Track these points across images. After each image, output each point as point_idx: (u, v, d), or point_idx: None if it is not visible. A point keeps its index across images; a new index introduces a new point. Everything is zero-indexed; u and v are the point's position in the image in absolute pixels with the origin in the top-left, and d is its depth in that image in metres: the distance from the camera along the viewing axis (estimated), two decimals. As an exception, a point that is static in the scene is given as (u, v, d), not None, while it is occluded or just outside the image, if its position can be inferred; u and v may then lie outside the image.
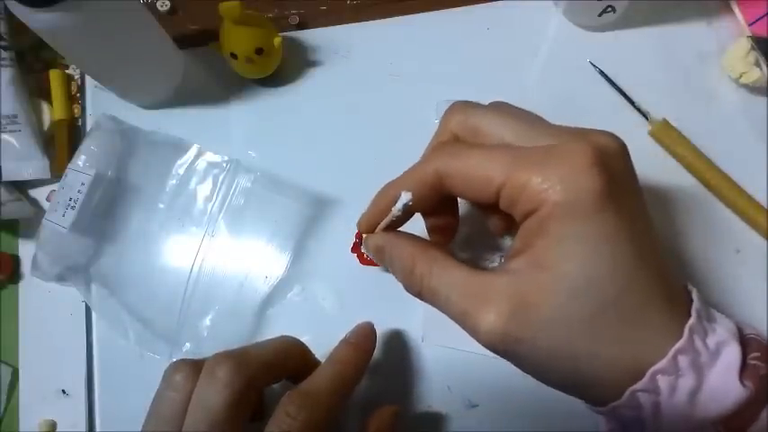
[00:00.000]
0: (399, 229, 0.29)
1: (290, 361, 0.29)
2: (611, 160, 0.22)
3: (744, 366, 0.21)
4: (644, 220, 0.23)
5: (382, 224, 0.27)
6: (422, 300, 0.25)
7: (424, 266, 0.24)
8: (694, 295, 0.23)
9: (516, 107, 0.26)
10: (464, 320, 0.23)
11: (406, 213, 0.27)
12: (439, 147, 0.26)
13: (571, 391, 0.23)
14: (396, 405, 0.30)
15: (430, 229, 0.31)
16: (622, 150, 0.23)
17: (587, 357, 0.21)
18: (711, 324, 0.22)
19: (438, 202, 0.26)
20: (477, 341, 0.22)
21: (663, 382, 0.20)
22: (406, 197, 0.25)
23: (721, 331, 0.22)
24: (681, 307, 0.22)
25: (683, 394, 0.21)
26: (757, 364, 0.21)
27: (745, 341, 0.22)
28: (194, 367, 0.26)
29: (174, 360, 0.27)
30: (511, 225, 0.28)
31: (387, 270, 0.35)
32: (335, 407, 0.27)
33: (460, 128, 0.25)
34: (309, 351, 0.30)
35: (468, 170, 0.23)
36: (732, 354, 0.21)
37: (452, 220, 0.30)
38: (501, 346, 0.22)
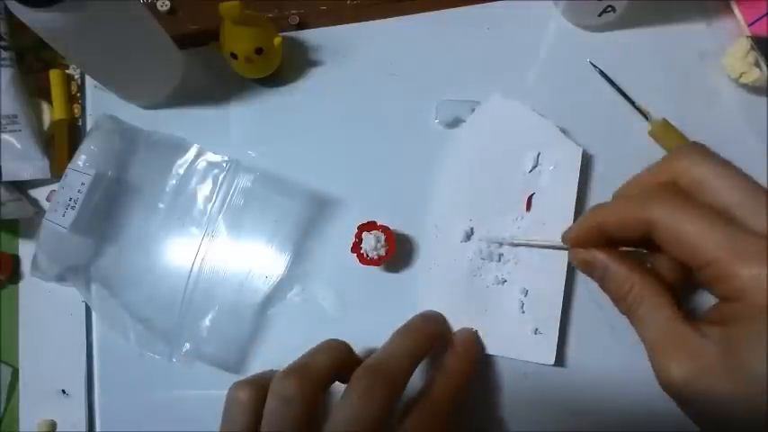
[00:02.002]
0: None
1: (343, 365, 0.30)
2: None
3: None
4: None
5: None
6: (625, 314, 0.26)
7: (639, 293, 0.25)
8: None
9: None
10: (654, 360, 0.23)
11: (604, 243, 0.27)
12: (659, 193, 0.25)
13: None
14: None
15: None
16: None
17: None
18: None
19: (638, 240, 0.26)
20: (659, 382, 0.23)
21: None
22: None
23: None
24: None
25: None
26: None
27: None
28: (256, 385, 0.28)
29: (235, 382, 0.29)
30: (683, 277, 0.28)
31: (387, 270, 0.35)
32: (450, 414, 0.29)
33: (684, 175, 0.25)
34: (353, 350, 0.31)
35: (682, 234, 0.23)
36: None
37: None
38: (679, 396, 0.23)
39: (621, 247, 0.28)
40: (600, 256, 0.27)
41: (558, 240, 0.30)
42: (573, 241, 0.29)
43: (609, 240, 0.27)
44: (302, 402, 0.26)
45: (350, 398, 0.26)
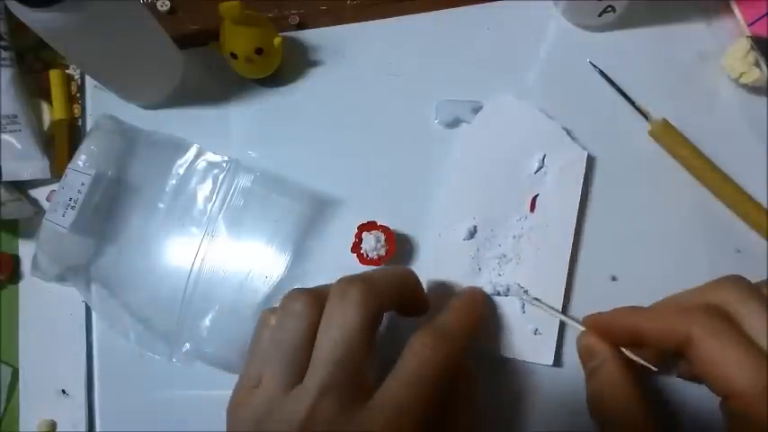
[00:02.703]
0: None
1: (408, 288, 0.29)
2: None
3: None
4: None
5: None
6: (594, 420, 0.26)
7: (621, 405, 0.25)
8: None
9: None
10: None
11: (634, 345, 0.27)
12: (704, 312, 0.24)
13: None
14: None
15: None
16: None
17: None
18: None
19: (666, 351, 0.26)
20: None
21: None
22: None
23: None
24: None
25: None
26: None
27: None
28: (314, 294, 0.26)
29: (290, 290, 0.27)
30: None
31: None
32: (462, 350, 0.27)
33: (729, 306, 0.24)
34: (420, 283, 0.30)
35: (718, 359, 0.23)
36: None
37: (658, 359, 0.29)
38: None
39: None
40: (605, 349, 0.27)
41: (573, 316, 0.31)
42: (593, 326, 0.28)
43: (633, 343, 0.27)
44: (365, 308, 0.25)
45: (412, 349, 0.25)
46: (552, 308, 0.32)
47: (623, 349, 0.28)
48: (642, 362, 0.27)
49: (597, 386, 0.26)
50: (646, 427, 0.23)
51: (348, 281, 0.26)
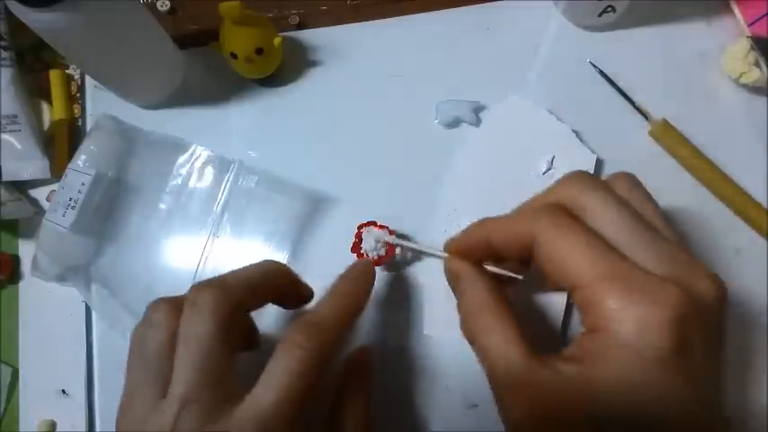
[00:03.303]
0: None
1: (274, 281, 0.28)
2: (697, 317, 0.21)
3: None
4: (709, 384, 0.22)
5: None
6: (469, 343, 0.25)
7: (488, 323, 0.24)
8: None
9: (640, 191, 0.26)
10: (499, 395, 0.23)
11: (489, 256, 0.27)
12: (546, 210, 0.24)
13: None
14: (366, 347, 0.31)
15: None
16: (718, 302, 0.22)
17: None
18: None
19: (520, 256, 0.25)
20: (501, 415, 0.23)
21: None
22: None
23: None
24: None
25: None
26: None
27: None
28: (173, 303, 0.26)
29: (153, 300, 0.26)
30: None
31: (387, 270, 0.35)
32: (341, 338, 0.26)
33: (571, 200, 0.25)
34: (294, 273, 0.29)
35: (559, 253, 0.23)
36: None
37: (524, 268, 0.29)
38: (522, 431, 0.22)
39: (505, 262, 0.28)
40: (467, 270, 0.27)
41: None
42: (453, 250, 0.28)
43: (492, 256, 0.27)
44: (217, 315, 0.24)
45: (281, 346, 0.24)
46: (413, 243, 0.33)
47: (485, 265, 0.28)
48: (505, 272, 0.27)
49: (466, 307, 0.26)
50: (516, 340, 0.23)
51: (197, 288, 0.25)
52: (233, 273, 0.27)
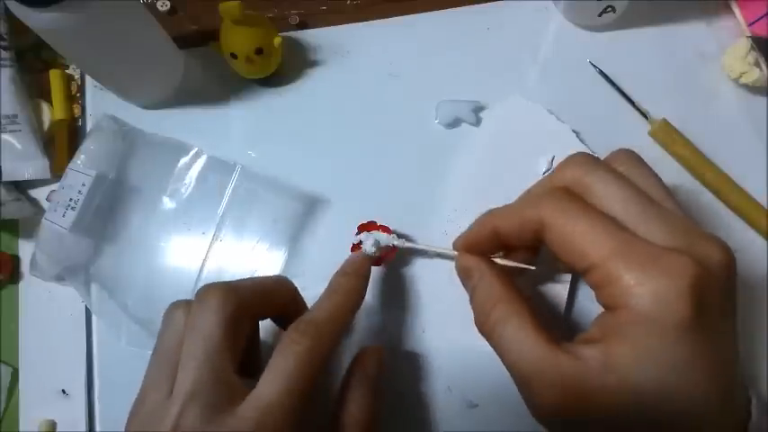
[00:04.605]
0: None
1: (279, 293, 0.29)
2: (711, 286, 0.21)
3: None
4: (727, 347, 0.22)
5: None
6: (485, 338, 0.25)
7: (503, 315, 0.24)
8: (753, 410, 0.22)
9: (643, 168, 0.26)
10: (523, 388, 0.23)
11: (498, 246, 0.27)
12: (552, 195, 0.24)
13: None
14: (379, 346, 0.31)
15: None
16: (728, 268, 0.22)
17: None
18: None
19: (529, 244, 0.26)
20: (530, 410, 0.23)
21: None
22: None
23: None
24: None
25: None
26: None
27: None
28: (190, 303, 0.26)
29: (174, 301, 0.27)
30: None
31: (387, 270, 0.35)
32: (337, 334, 0.27)
33: (574, 183, 0.25)
34: (298, 292, 0.30)
35: (570, 236, 0.23)
36: None
37: (532, 257, 0.29)
38: (552, 425, 0.23)
39: (515, 252, 0.28)
40: (478, 264, 0.27)
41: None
42: (462, 246, 0.28)
43: (501, 247, 0.27)
44: (221, 313, 0.25)
45: (280, 345, 0.25)
46: (421, 244, 0.32)
47: (494, 258, 0.28)
48: (516, 264, 0.27)
49: (480, 301, 0.25)
50: (535, 329, 0.23)
51: (207, 287, 0.26)
52: (243, 279, 0.28)
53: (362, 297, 0.30)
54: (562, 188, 0.25)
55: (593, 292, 0.23)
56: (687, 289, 0.20)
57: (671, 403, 0.20)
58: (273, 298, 0.28)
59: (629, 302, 0.21)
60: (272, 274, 0.30)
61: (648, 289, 0.21)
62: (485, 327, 0.25)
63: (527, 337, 0.23)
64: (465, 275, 0.28)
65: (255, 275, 0.35)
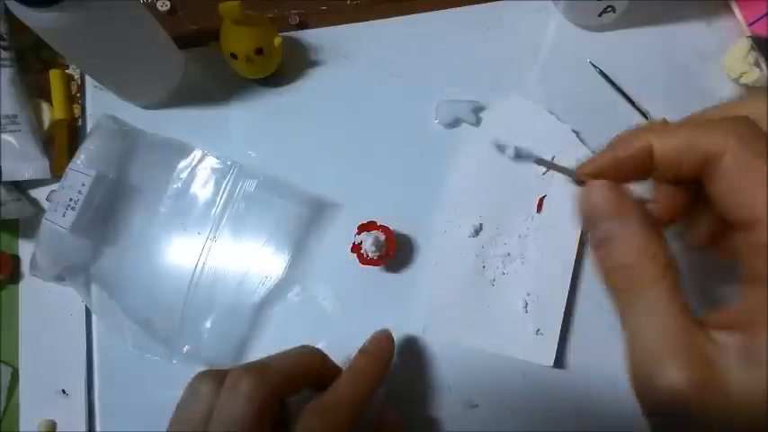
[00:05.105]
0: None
1: (310, 371, 0.29)
2: None
3: None
4: None
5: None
6: (612, 296, 0.20)
7: (649, 273, 0.19)
8: None
9: None
10: (645, 365, 0.19)
11: (643, 172, 0.21)
12: (737, 121, 0.20)
13: None
14: (398, 417, 0.31)
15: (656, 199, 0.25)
16: None
17: None
18: None
19: (685, 178, 0.21)
20: (640, 395, 0.19)
21: None
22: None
23: None
24: None
25: None
26: None
27: None
28: (219, 378, 0.26)
29: (200, 371, 0.27)
30: (714, 240, 0.23)
31: (387, 270, 0.35)
32: (355, 416, 0.27)
33: (761, 119, 0.20)
34: (329, 359, 0.30)
35: (746, 179, 0.19)
36: None
37: (685, 201, 0.24)
38: (669, 408, 0.18)
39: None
40: (621, 204, 0.20)
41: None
42: (597, 169, 0.22)
43: (641, 175, 0.22)
44: (253, 402, 0.24)
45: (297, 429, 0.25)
46: (559, 166, 0.24)
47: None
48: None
49: (618, 254, 0.20)
50: (678, 297, 0.19)
51: (240, 372, 0.26)
52: (275, 359, 0.28)
53: (382, 377, 0.29)
54: (745, 118, 0.20)
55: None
56: None
57: None
58: (305, 376, 0.28)
59: None
60: (299, 347, 0.29)
61: None
62: (620, 284, 0.20)
63: (669, 304, 0.18)
64: (600, 215, 0.21)
65: (248, 274, 0.35)
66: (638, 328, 0.19)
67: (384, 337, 0.31)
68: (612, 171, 0.22)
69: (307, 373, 0.28)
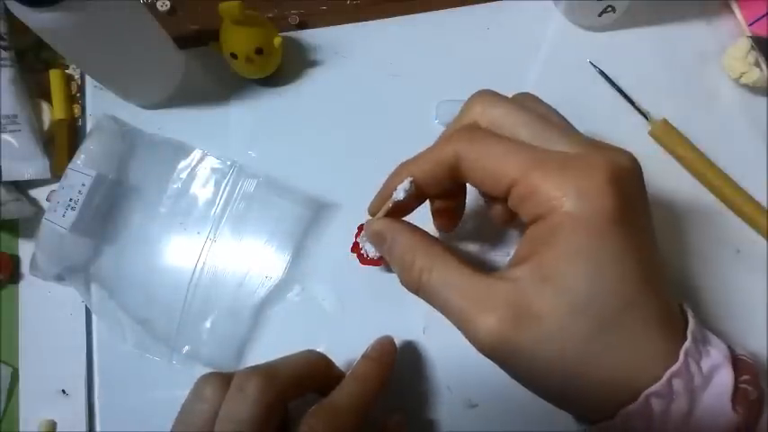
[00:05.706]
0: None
1: (316, 375, 0.29)
2: (627, 180, 0.22)
3: (735, 390, 0.21)
4: (651, 241, 0.23)
5: (383, 210, 0.27)
6: (418, 296, 0.25)
7: (426, 261, 0.24)
8: (690, 316, 0.23)
9: (541, 104, 0.27)
10: (462, 323, 0.22)
11: (416, 198, 0.27)
12: (461, 130, 0.25)
13: (562, 405, 0.23)
14: (402, 416, 0.31)
15: (435, 213, 0.31)
16: (637, 171, 0.23)
17: (582, 375, 0.21)
18: (706, 347, 0.22)
19: (448, 186, 0.26)
20: (474, 345, 0.22)
21: (656, 404, 0.20)
22: (407, 184, 0.25)
23: (715, 354, 0.21)
24: (677, 328, 0.22)
25: (676, 418, 0.20)
26: (747, 389, 0.21)
27: (735, 363, 0.22)
28: (224, 381, 0.26)
29: (205, 373, 0.27)
30: (512, 218, 0.27)
31: (387, 270, 0.35)
32: (358, 422, 0.27)
33: (480, 117, 0.25)
34: (333, 364, 0.30)
35: (485, 160, 0.23)
36: (725, 377, 0.21)
37: (459, 205, 0.30)
38: (497, 353, 0.22)
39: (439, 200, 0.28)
40: (388, 225, 0.26)
41: None
42: (373, 210, 0.28)
43: (421, 198, 0.27)
44: (260, 404, 0.25)
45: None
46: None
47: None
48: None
49: (399, 258, 0.25)
50: (460, 265, 0.23)
51: (247, 374, 0.26)
52: (281, 362, 0.28)
53: (384, 383, 0.30)
54: (469, 124, 0.25)
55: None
56: (606, 182, 0.21)
57: (607, 308, 0.20)
58: (310, 380, 0.29)
59: (553, 207, 0.21)
60: (304, 352, 0.29)
61: (571, 189, 0.21)
62: (411, 279, 0.24)
63: (457, 273, 0.23)
64: (378, 241, 0.27)
65: (247, 275, 0.35)
66: (444, 301, 0.23)
67: (387, 343, 0.32)
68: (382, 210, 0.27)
69: (313, 377, 0.28)
